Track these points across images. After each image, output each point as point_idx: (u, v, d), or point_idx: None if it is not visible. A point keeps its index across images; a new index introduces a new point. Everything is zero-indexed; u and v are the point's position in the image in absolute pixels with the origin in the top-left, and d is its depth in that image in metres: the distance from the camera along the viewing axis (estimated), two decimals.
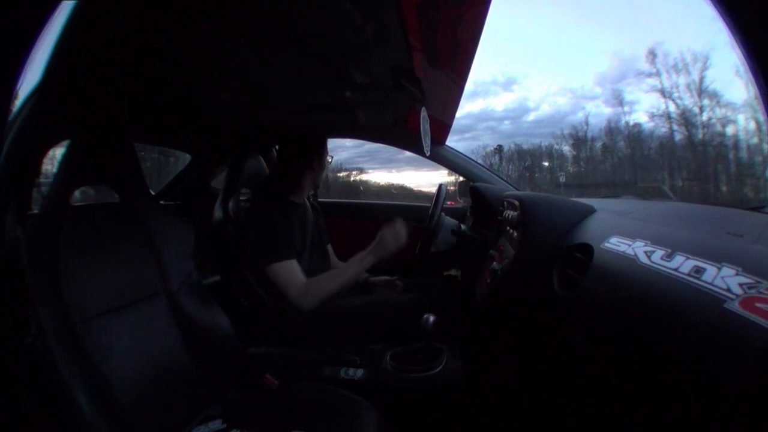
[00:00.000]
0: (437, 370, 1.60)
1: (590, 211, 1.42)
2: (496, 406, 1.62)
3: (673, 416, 0.66)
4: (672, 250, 0.86)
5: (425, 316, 1.59)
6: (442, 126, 2.39)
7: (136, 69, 1.33)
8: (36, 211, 1.22)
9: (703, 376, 0.62)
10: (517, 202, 1.55)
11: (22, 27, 0.61)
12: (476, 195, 2.27)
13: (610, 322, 0.92)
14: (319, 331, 1.74)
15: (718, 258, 0.75)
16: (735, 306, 0.62)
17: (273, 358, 1.70)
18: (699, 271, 0.74)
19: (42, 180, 1.38)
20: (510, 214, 1.61)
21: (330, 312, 1.76)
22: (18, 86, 0.65)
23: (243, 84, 1.65)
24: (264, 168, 2.17)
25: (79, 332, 1.09)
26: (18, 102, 1.08)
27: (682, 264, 0.79)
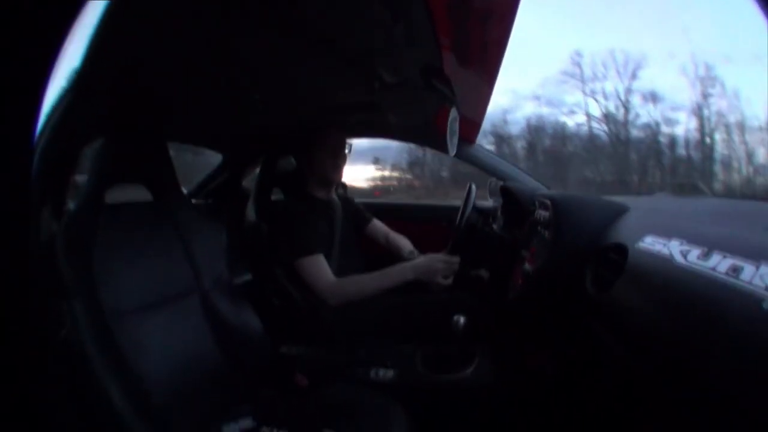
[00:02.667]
0: (469, 371, 1.60)
1: (624, 209, 1.40)
2: (528, 408, 1.61)
3: (712, 418, 0.65)
4: (708, 249, 0.84)
5: (456, 317, 1.59)
6: (472, 125, 2.37)
7: (169, 67, 1.36)
8: (72, 208, 1.25)
9: (742, 377, 0.61)
10: (549, 202, 1.53)
11: (55, 24, 0.63)
12: (507, 194, 2.26)
13: (645, 324, 0.91)
14: (349, 331, 1.74)
15: (757, 256, 0.73)
16: None
17: (304, 358, 1.71)
18: (737, 270, 0.72)
19: (78, 177, 1.41)
20: (542, 214, 1.59)
21: (360, 311, 1.76)
22: (52, 84, 0.67)
23: (274, 84, 1.66)
24: (294, 168, 2.20)
25: (113, 328, 1.10)
26: (54, 99, 1.12)
27: (720, 263, 0.77)
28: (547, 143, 11.69)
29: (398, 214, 2.75)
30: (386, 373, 1.62)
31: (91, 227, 1.17)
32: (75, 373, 1.02)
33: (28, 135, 0.65)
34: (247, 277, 2.23)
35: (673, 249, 0.93)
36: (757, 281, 0.66)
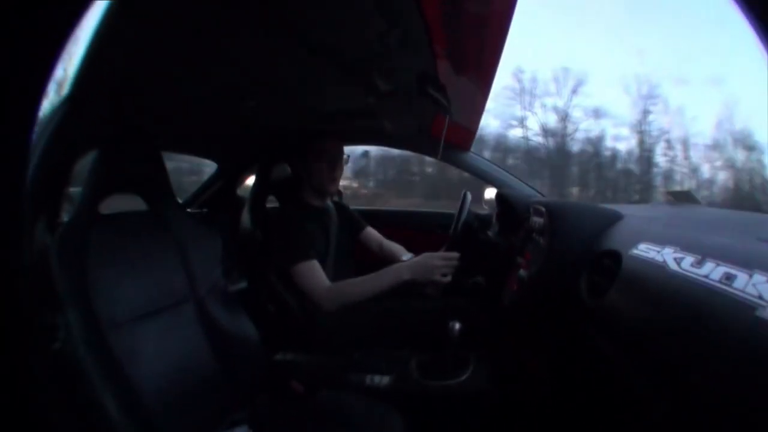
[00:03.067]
0: (464, 378, 1.60)
1: (618, 217, 1.41)
2: (523, 414, 1.61)
3: (706, 424, 0.66)
4: (702, 257, 0.85)
5: (451, 323, 1.59)
6: (467, 133, 2.39)
7: (164, 77, 1.36)
8: (65, 219, 1.25)
9: (735, 384, 0.61)
10: (543, 209, 1.54)
11: (50, 37, 0.63)
12: (502, 201, 2.26)
13: (639, 331, 0.91)
14: (344, 337, 1.74)
15: (750, 264, 0.73)
16: (767, 313, 0.61)
17: (299, 365, 1.71)
18: (730, 277, 0.73)
19: (72, 189, 1.41)
20: (536, 220, 1.59)
21: (355, 317, 1.76)
22: (46, 96, 0.67)
23: (269, 92, 1.66)
24: (289, 175, 2.20)
25: (108, 338, 1.10)
26: (48, 111, 1.12)
27: (713, 271, 0.78)
28: (487, 155, 11.98)
29: (392, 221, 2.75)
30: (381, 380, 1.62)
31: (85, 238, 1.17)
32: (70, 383, 1.01)
33: (22, 146, 0.65)
34: (243, 284, 2.23)
35: (667, 256, 0.93)
36: (750, 289, 0.67)
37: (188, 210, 2.75)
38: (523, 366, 1.77)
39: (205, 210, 2.86)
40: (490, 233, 2.23)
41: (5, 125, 0.61)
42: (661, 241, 1.01)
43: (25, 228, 0.93)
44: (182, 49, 1.21)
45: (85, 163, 1.30)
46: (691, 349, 0.72)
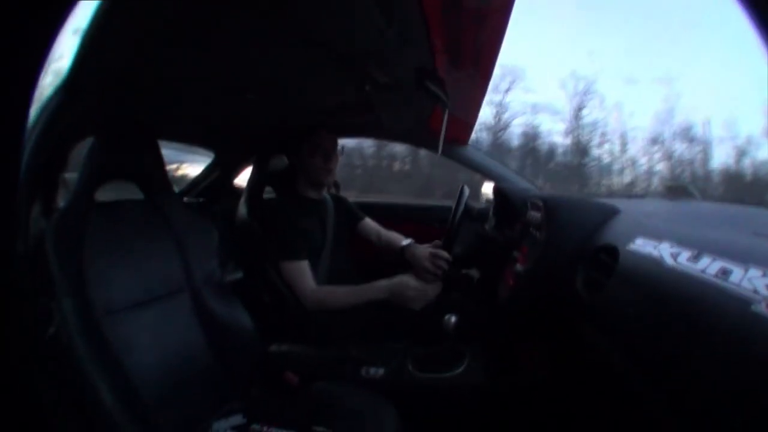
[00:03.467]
0: (459, 371, 1.60)
1: (615, 211, 1.41)
2: (518, 408, 1.61)
3: (701, 420, 0.66)
4: (698, 252, 0.85)
5: (447, 316, 1.59)
6: (464, 126, 2.38)
7: (161, 67, 1.35)
8: (62, 206, 1.25)
9: (730, 378, 0.61)
10: (541, 203, 1.54)
11: (45, 23, 0.63)
12: (499, 195, 2.26)
13: (635, 325, 0.91)
14: (340, 329, 1.74)
15: (745, 259, 0.74)
16: (762, 308, 0.61)
17: (294, 356, 1.71)
18: (726, 272, 0.73)
19: (68, 175, 1.41)
20: (534, 215, 1.59)
21: (351, 310, 1.76)
22: (42, 81, 0.67)
23: (267, 84, 1.65)
24: (286, 167, 2.19)
25: (103, 326, 1.10)
26: (44, 98, 1.11)
27: (709, 265, 0.78)
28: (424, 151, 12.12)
29: (391, 214, 2.74)
30: (377, 372, 1.62)
31: (81, 225, 1.17)
32: (64, 371, 1.02)
33: (17, 133, 0.64)
34: (238, 275, 2.23)
35: (664, 251, 0.93)
36: (745, 284, 0.67)
37: (185, 199, 2.75)
38: (518, 360, 1.78)
39: (201, 200, 2.85)
40: (487, 227, 2.23)
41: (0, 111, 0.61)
42: (658, 235, 1.01)
43: (19, 214, 0.93)
44: (180, 39, 1.20)
45: (81, 150, 1.30)
46: (687, 343, 0.72)
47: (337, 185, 2.44)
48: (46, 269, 1.06)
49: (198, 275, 1.44)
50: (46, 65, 0.65)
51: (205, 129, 2.32)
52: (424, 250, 1.86)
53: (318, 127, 1.92)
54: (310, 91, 1.79)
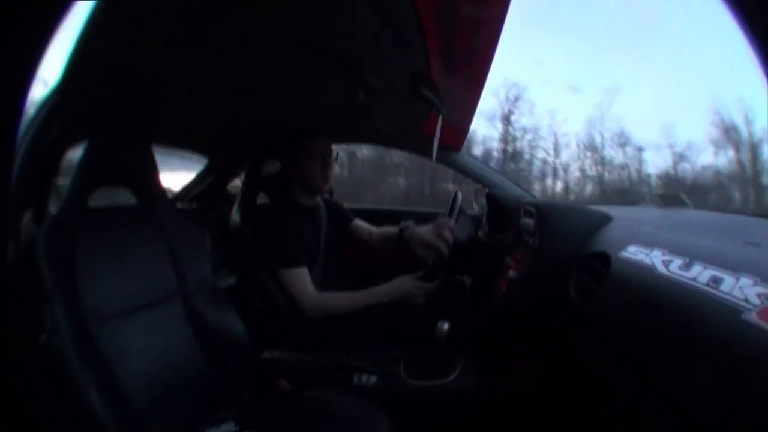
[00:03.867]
0: (451, 377, 1.60)
1: (607, 219, 1.41)
2: (511, 414, 1.61)
3: (691, 426, 0.66)
4: (690, 260, 0.85)
5: (440, 323, 1.59)
6: (458, 132, 2.38)
7: (154, 70, 1.35)
8: (54, 212, 1.24)
9: (722, 386, 0.62)
10: (534, 210, 1.54)
11: (38, 27, 0.62)
12: (492, 202, 2.27)
13: (627, 332, 0.91)
14: (333, 336, 1.74)
15: (736, 268, 0.74)
16: (753, 317, 0.61)
17: (287, 363, 1.70)
18: (717, 281, 0.74)
19: (60, 181, 1.40)
20: (527, 222, 1.60)
21: (344, 317, 1.75)
22: (34, 86, 0.66)
23: (261, 88, 1.65)
24: (279, 173, 2.18)
25: (95, 332, 1.09)
26: (37, 102, 1.10)
27: (700, 273, 0.79)
28: (365, 153, 12.16)
29: (386, 220, 2.75)
30: (369, 379, 1.61)
31: (73, 231, 1.16)
32: (56, 377, 1.01)
33: (9, 138, 0.64)
34: (231, 281, 2.22)
35: (656, 259, 0.94)
36: (736, 292, 0.68)
37: (178, 205, 2.73)
38: (511, 366, 1.77)
39: (194, 205, 2.84)
40: (480, 234, 2.23)
41: None
42: (650, 243, 1.02)
43: (11, 220, 0.92)
44: (175, 42, 1.20)
45: (74, 156, 1.29)
46: (678, 350, 0.72)
47: (330, 191, 2.44)
48: (37, 276, 1.05)
49: (191, 281, 1.43)
50: (40, 67, 0.65)
51: (198, 134, 2.31)
52: (424, 227, 1.86)
53: (313, 132, 1.91)
54: (304, 94, 1.79)
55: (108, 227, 1.28)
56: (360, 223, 2.27)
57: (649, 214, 1.59)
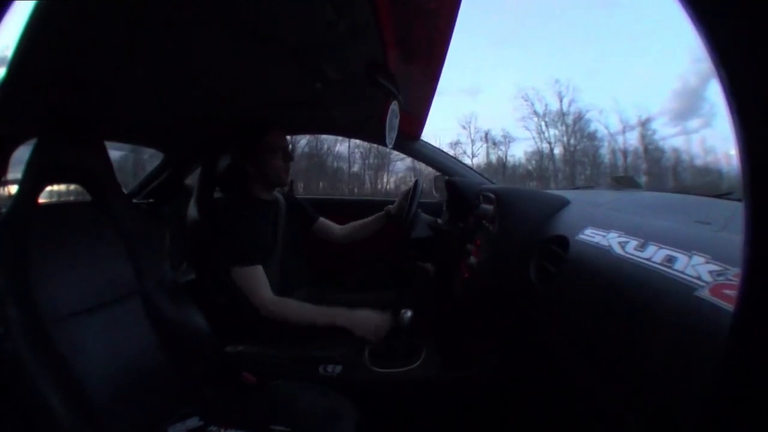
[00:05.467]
0: (416, 365, 1.61)
1: (565, 203, 1.44)
2: (475, 399, 1.63)
3: (647, 404, 0.68)
4: (645, 240, 0.87)
5: (402, 311, 1.60)
6: (416, 121, 2.39)
7: (104, 64, 1.31)
8: (3, 211, 1.20)
9: (677, 362, 0.63)
10: (493, 196, 1.56)
11: None
12: (452, 189, 2.28)
13: (585, 313, 0.93)
14: (296, 330, 1.72)
15: (689, 246, 0.76)
16: (705, 293, 0.63)
17: (251, 357, 1.69)
18: (671, 260, 0.76)
19: (9, 178, 1.36)
20: (486, 208, 1.61)
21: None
22: None
23: (215, 80, 1.62)
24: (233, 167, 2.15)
25: (51, 333, 1.08)
26: None
27: (655, 253, 0.81)
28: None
29: (343, 211, 2.74)
30: (335, 369, 1.61)
31: (24, 231, 1.13)
32: (11, 380, 0.99)
33: None
34: (191, 275, 2.18)
35: (612, 240, 0.96)
36: (689, 271, 0.70)
37: (134, 200, 2.67)
38: (474, 351, 1.80)
39: (151, 200, 2.77)
40: (440, 221, 2.24)
41: None
42: (606, 225, 1.04)
43: None
44: (122, 36, 1.16)
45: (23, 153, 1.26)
46: (634, 329, 0.74)
47: (291, 183, 2.41)
48: None
49: (149, 278, 1.41)
50: None
51: (152, 129, 2.25)
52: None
53: (270, 125, 1.88)
54: (260, 86, 1.76)
55: (62, 225, 1.25)
56: (324, 223, 2.26)
57: (604, 196, 1.62)
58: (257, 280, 1.71)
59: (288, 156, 1.92)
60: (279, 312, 1.68)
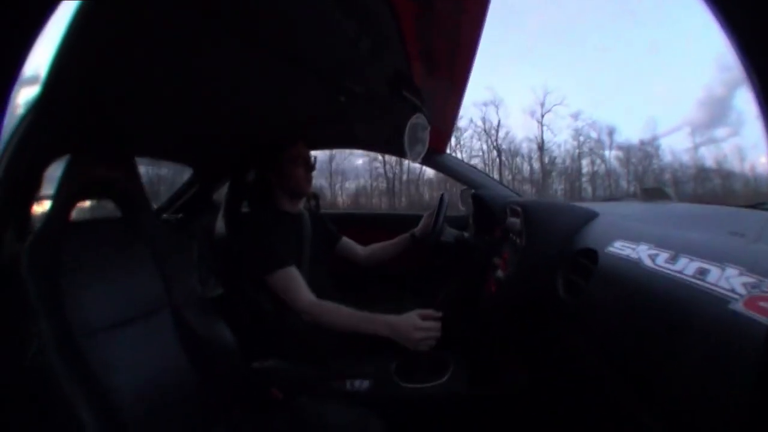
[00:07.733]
0: (443, 380, 1.60)
1: (593, 215, 1.42)
2: (503, 416, 1.61)
3: (680, 419, 0.66)
4: (676, 252, 0.86)
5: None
6: (441, 134, 2.38)
7: (136, 83, 1.34)
8: (37, 227, 1.23)
9: (710, 377, 0.62)
10: (519, 209, 1.55)
11: (16, 41, 0.61)
12: (478, 203, 2.27)
13: (615, 327, 0.91)
14: (323, 343, 1.71)
15: (722, 258, 0.74)
16: (739, 306, 0.62)
17: (278, 373, 1.69)
18: (703, 272, 0.74)
19: (43, 194, 1.39)
20: (513, 221, 1.60)
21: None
22: (13, 100, 0.65)
23: (242, 99, 1.64)
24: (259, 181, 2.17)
25: (82, 347, 1.09)
26: (17, 116, 1.09)
27: (687, 266, 0.79)
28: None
29: (369, 225, 2.74)
30: (362, 385, 1.61)
31: (56, 246, 1.15)
32: (44, 393, 1.00)
33: None
34: (219, 291, 2.20)
35: (642, 253, 0.94)
36: (722, 283, 0.68)
37: (163, 216, 2.71)
38: (501, 367, 1.77)
39: (180, 215, 2.81)
40: (466, 235, 2.23)
41: None
42: (636, 237, 1.02)
43: None
44: (156, 55, 1.19)
45: (56, 169, 1.28)
46: (667, 344, 0.72)
47: (316, 197, 2.43)
48: (23, 293, 1.04)
49: (178, 293, 1.42)
50: (18, 83, 0.63)
51: (182, 144, 2.29)
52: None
53: (295, 138, 1.91)
54: (286, 104, 1.78)
55: (92, 241, 1.27)
56: (348, 243, 2.26)
57: (633, 208, 1.60)
58: (296, 281, 1.69)
59: (310, 166, 1.94)
60: (319, 315, 1.64)
